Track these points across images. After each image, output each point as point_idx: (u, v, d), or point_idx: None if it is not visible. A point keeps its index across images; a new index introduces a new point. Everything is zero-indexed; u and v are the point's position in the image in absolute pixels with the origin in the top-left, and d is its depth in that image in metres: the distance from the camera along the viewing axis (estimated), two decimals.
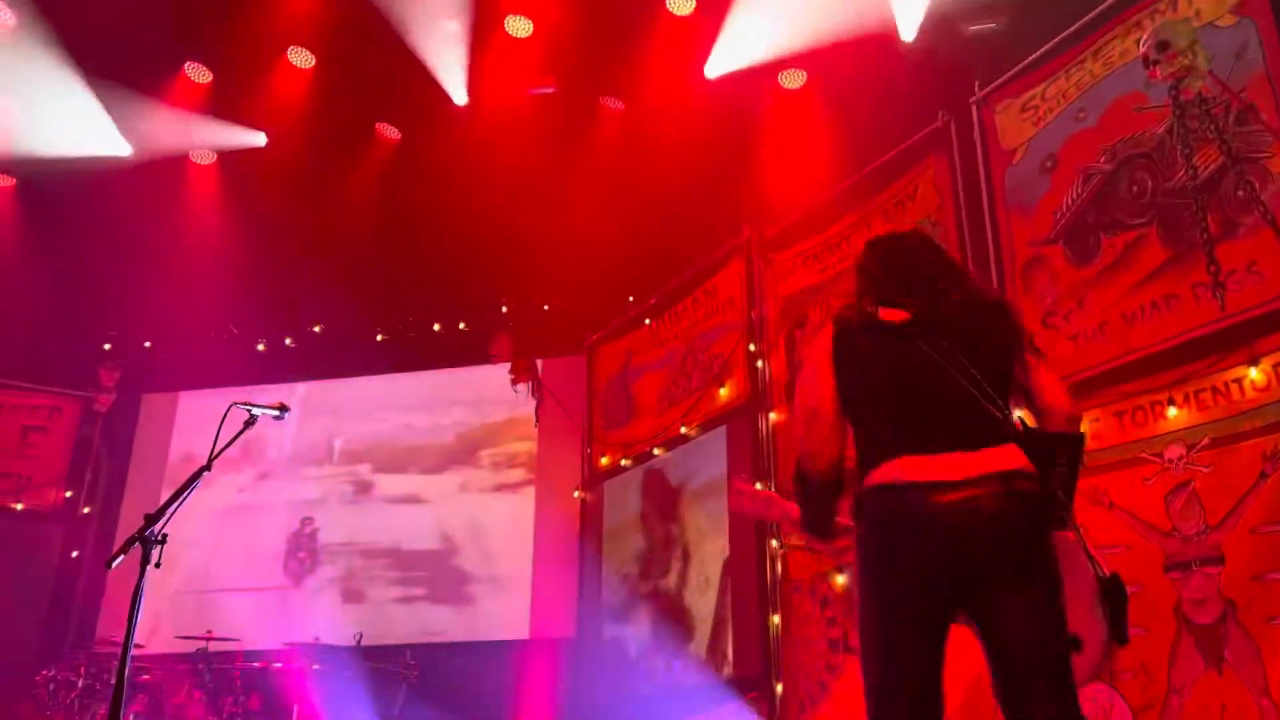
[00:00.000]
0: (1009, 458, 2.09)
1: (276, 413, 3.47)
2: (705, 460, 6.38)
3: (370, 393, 8.60)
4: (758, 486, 2.89)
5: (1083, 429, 2.35)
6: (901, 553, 2.08)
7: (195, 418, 8.66)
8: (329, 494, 8.32)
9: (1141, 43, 3.59)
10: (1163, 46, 3.41)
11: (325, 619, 7.46)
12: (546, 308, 8.32)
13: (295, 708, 6.07)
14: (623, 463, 7.19)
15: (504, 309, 8.47)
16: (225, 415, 3.36)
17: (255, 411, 3.41)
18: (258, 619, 7.22)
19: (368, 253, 8.00)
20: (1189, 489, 3.80)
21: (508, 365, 8.11)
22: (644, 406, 7.20)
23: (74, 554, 8.28)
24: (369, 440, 8.41)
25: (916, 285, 2.33)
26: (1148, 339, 4.05)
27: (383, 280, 8.31)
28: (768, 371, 6.12)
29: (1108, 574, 2.17)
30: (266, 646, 6.76)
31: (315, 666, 6.34)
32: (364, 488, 8.27)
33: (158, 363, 8.84)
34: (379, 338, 8.68)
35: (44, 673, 6.42)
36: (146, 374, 8.86)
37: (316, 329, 8.74)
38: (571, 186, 7.31)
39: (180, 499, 3.10)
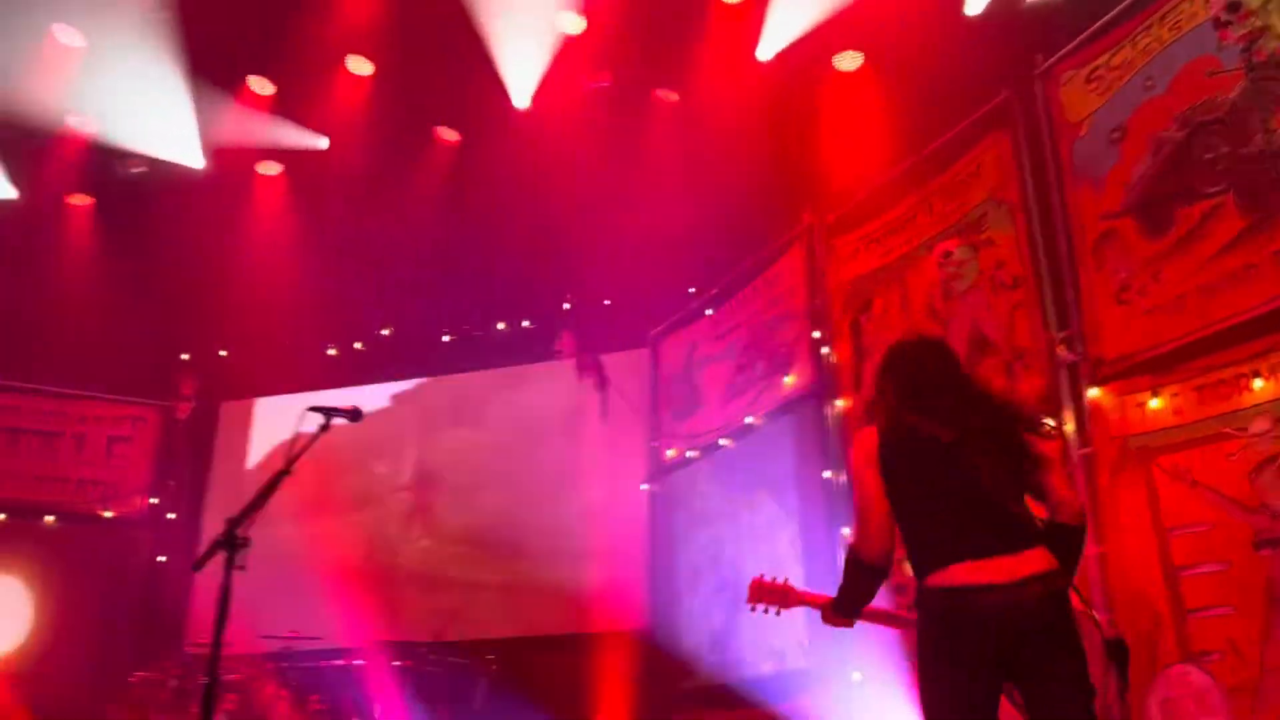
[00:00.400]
0: (1042, 559, 2.57)
1: (348, 419, 3.51)
2: (773, 450, 6.35)
3: (438, 391, 8.71)
4: (776, 580, 3.20)
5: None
6: (961, 644, 2.55)
7: (271, 422, 8.87)
8: (409, 488, 8.46)
9: (1212, 4, 3.48)
10: (1234, 7, 3.31)
11: (404, 615, 7.60)
12: (608, 302, 8.33)
13: (378, 704, 6.19)
14: (689, 454, 7.19)
15: (566, 305, 8.51)
16: (300, 421, 3.42)
17: (330, 416, 3.46)
18: (341, 616, 7.34)
19: (431, 254, 8.12)
20: (1277, 463, 3.68)
21: (572, 361, 8.15)
22: (709, 397, 7.19)
23: (161, 559, 8.53)
24: (439, 439, 8.51)
25: (943, 394, 2.73)
26: (1228, 310, 3.92)
27: (447, 281, 8.41)
28: (832, 358, 6.06)
29: (1111, 635, 2.78)
30: (349, 644, 6.89)
31: (396, 663, 6.46)
32: (437, 485, 8.38)
33: (234, 370, 9.06)
34: (445, 338, 8.78)
35: (137, 674, 6.65)
36: (223, 382, 9.09)
37: (385, 332, 8.87)
38: (629, 180, 7.31)
39: (261, 502, 3.16)
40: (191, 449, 8.94)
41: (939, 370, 2.80)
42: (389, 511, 8.47)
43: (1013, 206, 5.01)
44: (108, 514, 8.48)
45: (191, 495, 8.85)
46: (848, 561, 2.82)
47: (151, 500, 8.64)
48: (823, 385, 6.05)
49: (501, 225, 7.94)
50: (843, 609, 2.91)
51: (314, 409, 3.44)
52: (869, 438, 2.76)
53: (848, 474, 2.99)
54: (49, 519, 8.31)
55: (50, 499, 8.38)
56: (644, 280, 7.86)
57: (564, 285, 8.40)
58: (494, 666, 6.81)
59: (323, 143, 7.69)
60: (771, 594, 3.16)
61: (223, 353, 9.13)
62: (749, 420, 6.58)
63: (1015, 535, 2.58)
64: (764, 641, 6.02)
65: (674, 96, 7.20)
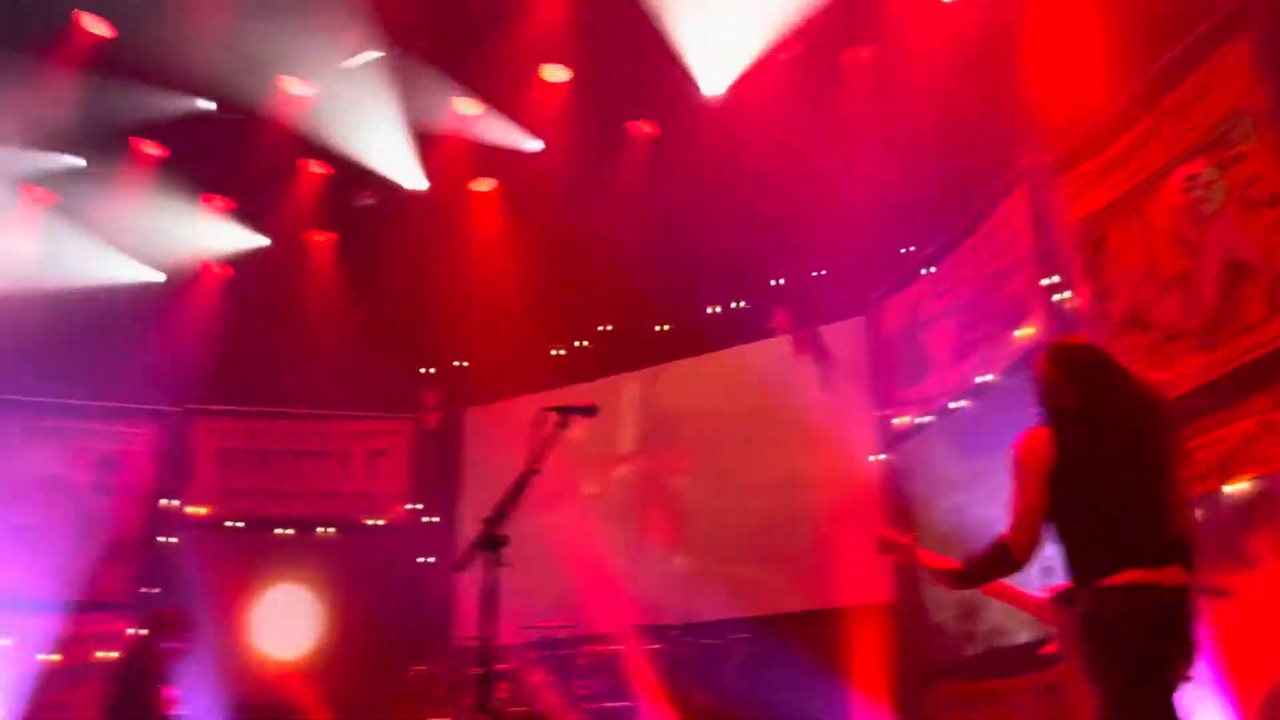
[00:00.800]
0: (1188, 569, 2.76)
1: (584, 414, 3.64)
2: (1012, 407, 6.03)
3: (662, 380, 8.85)
4: (902, 536, 3.47)
5: None
6: (1147, 641, 2.70)
7: (511, 424, 9.28)
8: (646, 478, 8.67)
9: None
10: None
11: (653, 600, 7.79)
12: (821, 273, 8.20)
13: (638, 686, 6.39)
14: (921, 420, 6.97)
15: (776, 282, 8.44)
16: (540, 420, 3.57)
17: (567, 414, 3.60)
18: (594, 604, 7.60)
19: (641, 247, 8.27)
20: None
21: (789, 336, 8.08)
22: (937, 359, 6.94)
23: (424, 560, 9.16)
24: (675, 425, 8.63)
25: (1119, 400, 2.88)
26: None
27: (657, 271, 8.54)
28: (1069, 304, 5.70)
29: None
30: (605, 630, 7.15)
31: (651, 647, 6.65)
32: (670, 471, 8.54)
33: (473, 379, 9.60)
34: (658, 328, 8.92)
35: (414, 669, 7.19)
36: (465, 390, 9.65)
37: (605, 328, 9.13)
38: (830, 148, 7.18)
39: (512, 502, 3.33)
40: (442, 456, 9.53)
41: (1113, 375, 2.95)
42: (627, 500, 8.71)
43: (1261, 116, 4.52)
44: (375, 522, 9.19)
45: (447, 499, 9.43)
46: (996, 550, 2.94)
47: (412, 507, 9.28)
48: (1059, 332, 5.69)
49: (705, 211, 8.00)
50: (964, 584, 3.12)
51: (551, 409, 3.58)
52: (1042, 440, 2.86)
53: (1013, 470, 2.89)
54: (327, 530, 9.10)
55: (325, 513, 9.18)
56: (855, 246, 7.68)
57: (774, 262, 8.33)
58: (745, 645, 6.86)
59: (534, 147, 7.94)
60: (897, 549, 3.41)
61: (461, 363, 9.69)
62: (983, 379, 6.30)
63: (1177, 544, 2.77)
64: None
65: (866, 53, 6.98)
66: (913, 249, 7.34)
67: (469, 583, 8.79)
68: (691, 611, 7.32)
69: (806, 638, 7.28)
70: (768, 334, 8.24)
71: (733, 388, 8.38)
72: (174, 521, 8.87)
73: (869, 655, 6.94)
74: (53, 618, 8.28)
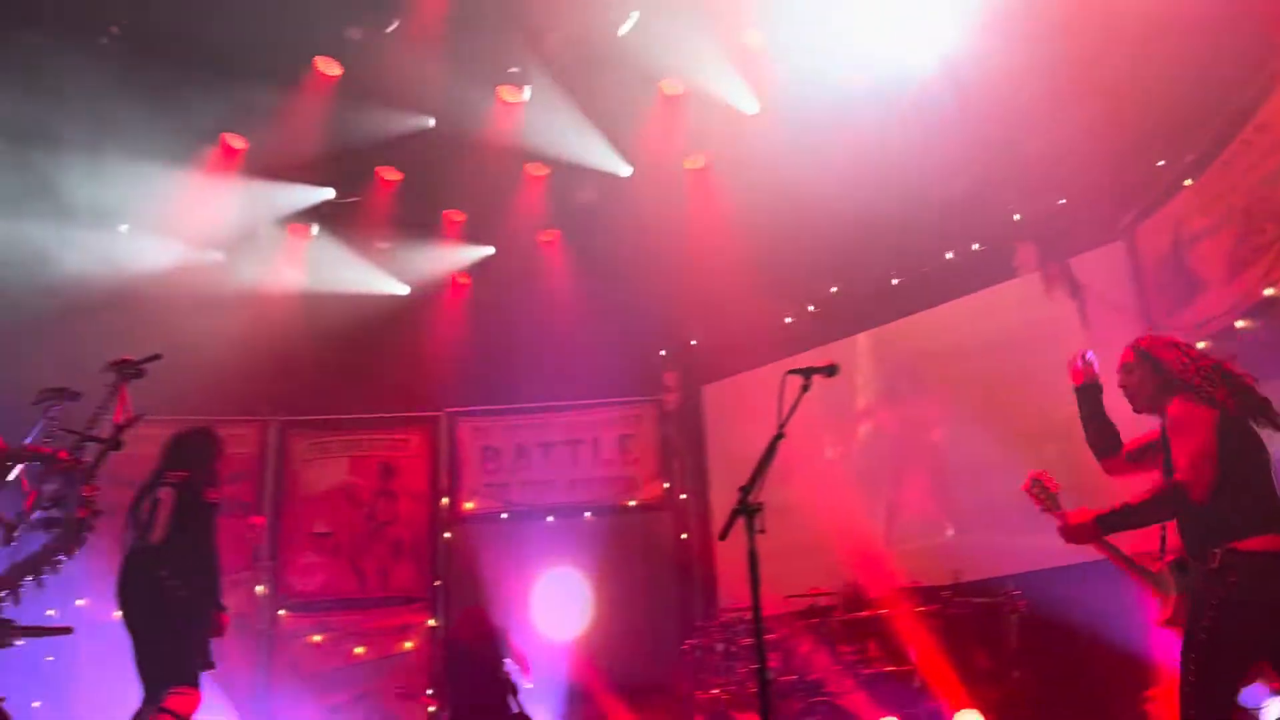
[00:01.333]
0: None
1: (826, 374, 3.59)
2: None
3: (901, 335, 8.58)
4: (1052, 483, 3.95)
5: None
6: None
7: (749, 395, 9.32)
8: (896, 436, 8.44)
9: None
10: None
11: (916, 561, 7.58)
12: (1063, 201, 7.65)
13: (911, 650, 6.23)
14: (1199, 345, 6.34)
15: (1016, 217, 7.95)
16: (783, 384, 3.55)
17: (809, 375, 3.56)
18: (861, 568, 7.47)
19: (863, 201, 8.01)
20: None
21: (1038, 273, 7.60)
22: (1209, 277, 6.31)
23: (683, 536, 9.35)
24: (921, 380, 8.34)
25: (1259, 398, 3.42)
26: None
27: (885, 224, 8.26)
28: None
29: None
30: (869, 595, 7.02)
31: (919, 609, 6.46)
32: (929, 423, 8.25)
33: (707, 355, 9.69)
34: (894, 281, 8.63)
35: (688, 643, 7.34)
36: (700, 367, 9.75)
37: (834, 290, 8.94)
38: (1065, 75, 6.65)
39: (764, 468, 3.32)
40: (685, 434, 9.69)
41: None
42: (880, 458, 8.50)
43: None
44: (632, 503, 9.46)
45: (696, 475, 9.59)
46: (1171, 491, 3.28)
47: (665, 485, 9.48)
48: None
49: (934, 155, 7.64)
50: (1114, 527, 3.48)
51: (793, 371, 3.56)
52: (1212, 415, 3.32)
53: (1189, 435, 3.32)
54: (587, 515, 9.46)
55: (584, 498, 9.55)
56: (1100, 168, 7.11)
57: (1010, 197, 7.86)
58: (1021, 603, 6.53)
59: (748, 111, 7.84)
60: (1042, 495, 3.89)
61: (693, 341, 9.80)
62: (1268, 291, 5.66)
63: None
64: None
65: None
66: (1164, 163, 6.70)
67: (729, 557, 8.91)
68: (960, 570, 7.03)
69: (1084, 591, 6.84)
70: (1013, 274, 7.78)
71: (980, 335, 7.99)
72: (450, 518, 9.51)
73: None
74: (357, 614, 9.11)
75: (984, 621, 6.51)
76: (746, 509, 3.28)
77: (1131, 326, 7.03)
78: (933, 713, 5.84)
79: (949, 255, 8.35)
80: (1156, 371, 3.53)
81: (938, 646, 6.18)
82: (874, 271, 8.70)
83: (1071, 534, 3.54)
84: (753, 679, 6.77)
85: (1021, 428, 7.56)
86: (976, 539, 7.62)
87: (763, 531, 3.27)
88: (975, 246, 8.23)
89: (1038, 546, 7.26)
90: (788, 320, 9.24)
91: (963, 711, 5.61)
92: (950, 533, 7.81)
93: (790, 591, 6.98)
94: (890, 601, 6.66)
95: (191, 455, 5.08)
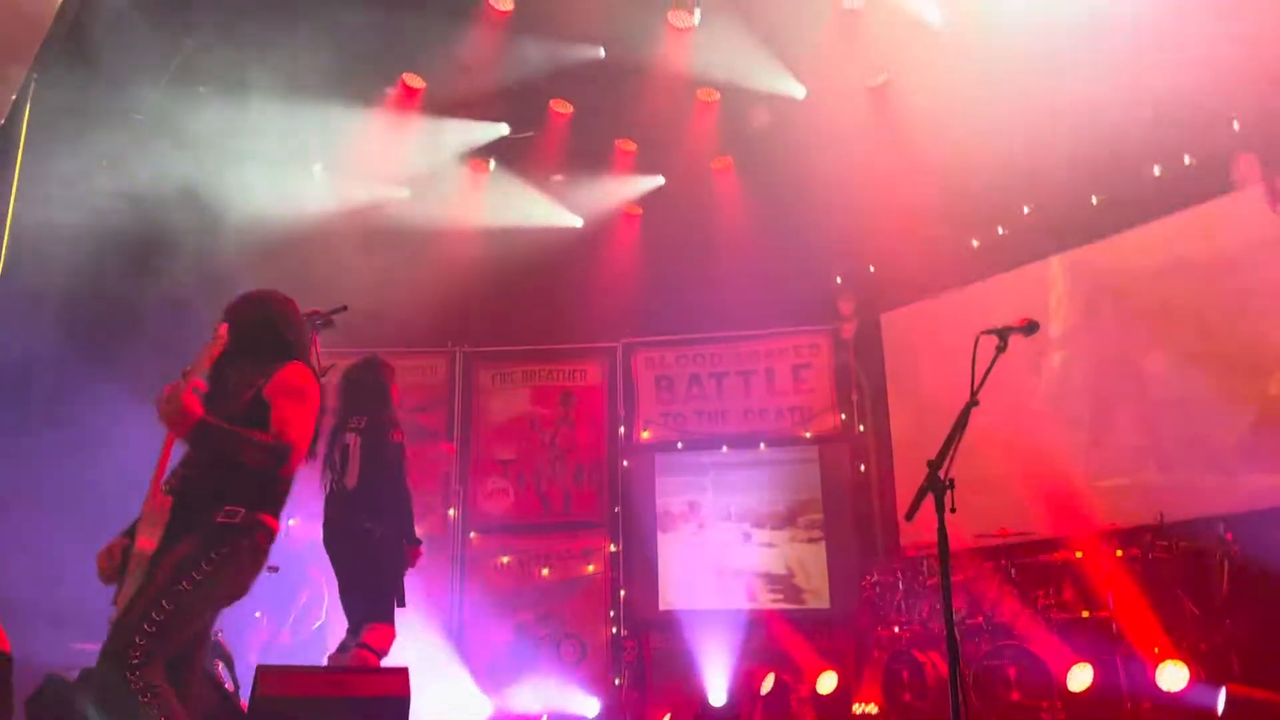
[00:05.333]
0: None
1: (1024, 332, 3.34)
2: None
3: (1100, 257, 7.98)
4: None
5: None
6: None
7: (931, 324, 8.97)
8: (1095, 366, 7.92)
9: None
10: None
11: (1114, 500, 7.16)
12: None
13: (1109, 595, 5.91)
14: None
15: (1236, 125, 7.18)
16: (976, 345, 3.33)
17: (1006, 335, 3.32)
18: (1052, 509, 7.12)
19: (1060, 114, 7.43)
20: None
21: (1260, 188, 6.87)
22: None
23: (861, 468, 9.17)
24: (1124, 302, 7.75)
25: None
26: None
27: (1081, 138, 7.64)
28: None
29: None
30: (1063, 536, 6.69)
31: (1119, 552, 6.11)
32: (1126, 353, 7.71)
33: (885, 282, 9.35)
34: (1094, 200, 8.01)
35: (867, 579, 7.24)
36: (878, 295, 9.42)
37: (1025, 210, 8.39)
38: None
39: (955, 440, 3.14)
40: (864, 363, 9.43)
41: None
42: (1074, 390, 8.01)
43: None
44: (807, 435, 9.33)
45: (875, 406, 9.34)
46: None
47: (841, 416, 9.29)
48: None
49: (1135, 59, 6.97)
50: None
51: (988, 332, 3.33)
52: None
53: None
54: (761, 446, 9.41)
55: (758, 429, 9.49)
56: None
57: (1231, 101, 7.09)
58: (1234, 546, 6.06)
59: (932, 24, 7.38)
60: None
61: (871, 268, 9.46)
62: None
63: None
64: None
65: None
66: None
67: (910, 490, 8.66)
68: (1165, 510, 6.58)
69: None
70: (1230, 189, 7.07)
71: (1191, 257, 7.33)
72: (626, 446, 9.67)
73: None
74: (541, 537, 9.46)
75: (1191, 566, 6.09)
76: (936, 485, 3.08)
77: None
78: (1131, 663, 5.53)
79: (1156, 170, 7.65)
80: None
81: (1139, 592, 5.83)
82: (1070, 189, 8.09)
83: None
84: (934, 618, 6.63)
85: (1236, 358, 6.96)
86: (1183, 477, 7.10)
87: (954, 510, 3.09)
88: (1187, 159, 7.51)
89: (1251, 485, 6.77)
90: (974, 243, 8.76)
91: (1167, 663, 5.28)
92: (1154, 470, 7.28)
93: (978, 529, 6.71)
94: (1087, 543, 6.31)
95: (369, 396, 5.27)
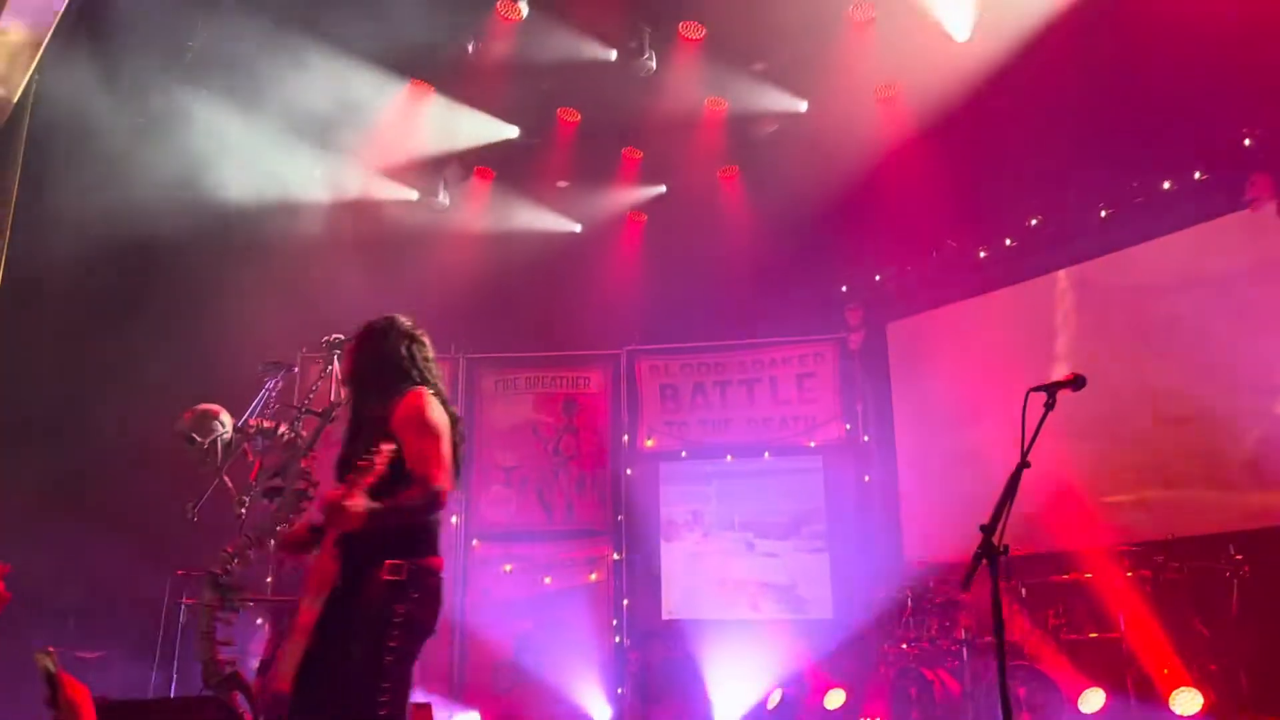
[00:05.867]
0: None
1: (1073, 386, 3.28)
2: None
3: (1108, 273, 7.95)
4: None
5: None
6: None
7: (938, 335, 8.96)
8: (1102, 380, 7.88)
9: None
10: None
11: (1123, 516, 7.15)
12: None
13: (1120, 615, 5.90)
14: None
15: (1247, 142, 7.17)
16: (1025, 405, 3.26)
17: (1054, 390, 3.26)
18: (1067, 523, 7.09)
19: (1067, 126, 7.43)
20: None
21: (1272, 205, 6.86)
22: None
23: (865, 478, 9.15)
24: (1132, 317, 7.71)
25: None
26: None
27: (1089, 150, 7.64)
28: None
29: None
30: (1075, 554, 6.65)
31: (1129, 573, 6.09)
32: (1134, 368, 7.69)
33: (892, 292, 9.32)
34: (1103, 214, 7.99)
35: (878, 594, 7.22)
36: (884, 305, 9.40)
37: (1033, 222, 8.37)
38: None
39: (1007, 505, 3.08)
40: (869, 373, 9.40)
41: None
42: (1080, 403, 7.93)
43: None
44: (812, 444, 9.30)
45: (880, 416, 9.32)
46: None
47: (846, 426, 9.27)
48: None
49: (1145, 70, 6.96)
50: None
51: (1037, 389, 3.26)
52: None
53: None
54: (766, 455, 9.39)
55: (762, 438, 9.46)
56: None
57: (1242, 118, 7.08)
58: (1244, 567, 6.05)
59: (962, 36, 7.36)
60: None
61: (877, 277, 9.43)
62: None
63: None
64: None
65: None
66: None
67: (914, 501, 8.66)
68: (1174, 527, 6.58)
69: None
70: (1242, 206, 7.05)
71: (1201, 274, 7.30)
72: (630, 454, 9.63)
73: None
74: (544, 545, 9.42)
75: (1201, 586, 6.08)
76: (990, 551, 3.02)
77: None
78: (1143, 685, 5.53)
79: (1166, 185, 7.63)
80: None
81: (1149, 613, 5.81)
82: (1079, 201, 8.07)
83: None
84: (943, 635, 6.61)
85: (1247, 377, 6.95)
86: (1191, 494, 7.09)
87: (1009, 580, 3.05)
88: (1197, 175, 7.49)
89: (1259, 503, 6.76)
90: (981, 254, 8.73)
91: (1181, 689, 5.27)
92: (1161, 486, 7.27)
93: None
94: (1096, 562, 6.30)
95: None
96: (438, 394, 3.42)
